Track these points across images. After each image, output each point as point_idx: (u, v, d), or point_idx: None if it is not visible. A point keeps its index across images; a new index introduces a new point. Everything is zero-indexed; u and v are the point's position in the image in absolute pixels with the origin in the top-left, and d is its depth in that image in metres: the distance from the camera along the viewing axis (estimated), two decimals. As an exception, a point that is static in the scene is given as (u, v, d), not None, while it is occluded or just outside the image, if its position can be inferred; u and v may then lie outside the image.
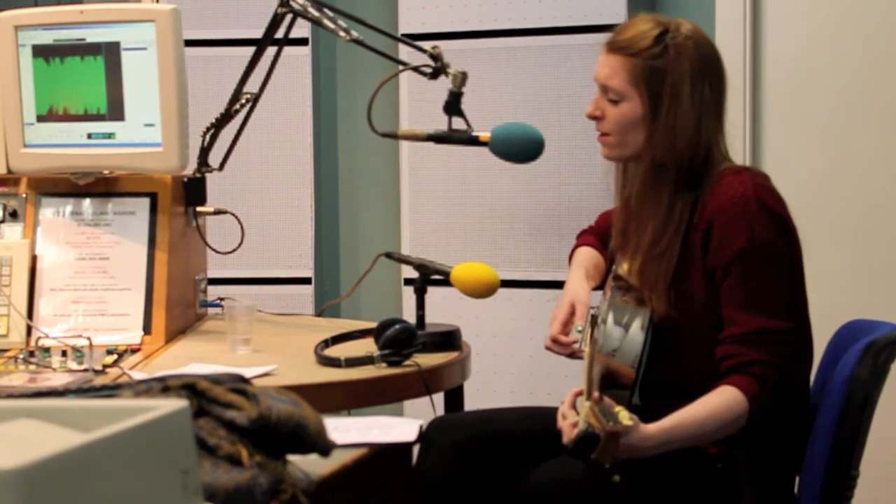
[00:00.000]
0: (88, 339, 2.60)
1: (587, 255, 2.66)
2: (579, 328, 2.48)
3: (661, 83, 2.30)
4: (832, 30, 3.49)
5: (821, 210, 3.45)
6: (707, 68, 2.33)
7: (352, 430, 1.93)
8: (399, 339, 2.57)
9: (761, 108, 3.59)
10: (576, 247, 2.71)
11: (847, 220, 3.49)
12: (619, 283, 2.43)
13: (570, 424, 2.13)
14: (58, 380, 2.46)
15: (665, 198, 2.32)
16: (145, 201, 2.90)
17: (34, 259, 2.85)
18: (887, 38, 3.43)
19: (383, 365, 2.56)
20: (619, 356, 2.31)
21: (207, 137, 3.01)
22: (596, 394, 2.10)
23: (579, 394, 2.12)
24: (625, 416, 2.03)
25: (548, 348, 2.55)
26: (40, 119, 2.88)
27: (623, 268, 2.45)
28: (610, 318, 2.36)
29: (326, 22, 2.85)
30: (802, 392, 2.36)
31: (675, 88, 2.30)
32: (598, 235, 2.69)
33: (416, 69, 2.81)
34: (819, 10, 3.51)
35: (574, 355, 2.51)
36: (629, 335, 2.31)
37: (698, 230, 2.30)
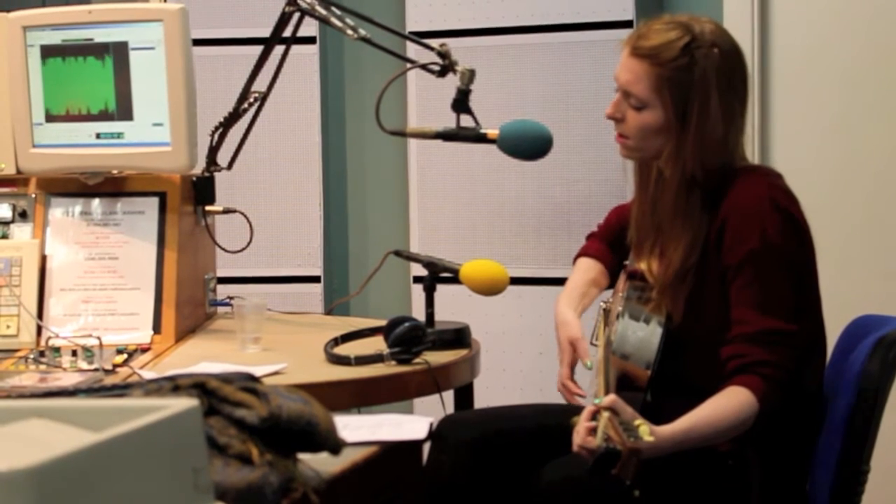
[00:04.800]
0: (98, 338, 2.61)
1: (580, 278, 2.61)
2: (589, 365, 2.46)
3: (687, 94, 2.27)
4: (840, 24, 3.48)
5: (830, 205, 3.44)
6: (733, 75, 2.31)
7: (362, 429, 1.93)
8: (408, 337, 2.57)
9: (770, 104, 3.58)
10: (578, 255, 2.69)
11: (856, 215, 3.48)
12: (635, 283, 2.42)
13: (585, 428, 2.11)
14: (68, 379, 2.47)
15: (696, 212, 2.31)
16: (154, 201, 2.90)
17: (44, 259, 2.85)
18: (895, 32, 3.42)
19: (393, 363, 2.56)
20: (633, 359, 2.30)
21: (216, 136, 3.01)
22: (613, 396, 2.09)
23: (595, 413, 2.10)
24: (645, 431, 2.00)
25: (560, 392, 2.53)
26: (49, 119, 2.88)
27: (642, 265, 2.43)
28: (626, 318, 2.35)
29: (334, 20, 2.85)
30: (814, 392, 2.35)
31: (703, 100, 2.27)
32: (604, 239, 2.67)
33: (424, 67, 2.81)
34: (827, 4, 3.50)
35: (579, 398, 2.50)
36: (644, 337, 2.30)
37: (713, 231, 2.29)
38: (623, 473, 1.95)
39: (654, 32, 2.32)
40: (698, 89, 2.27)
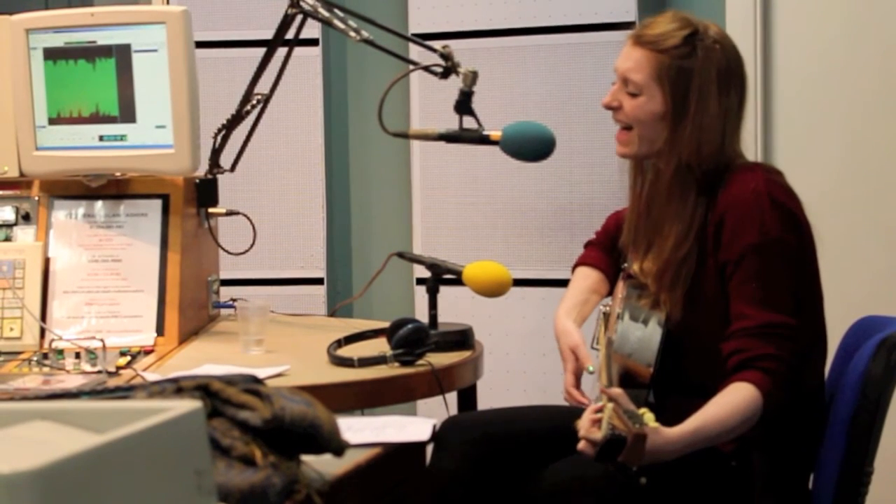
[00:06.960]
0: (102, 340, 2.61)
1: (578, 287, 2.62)
2: (591, 369, 2.46)
3: (686, 84, 2.30)
4: (842, 32, 3.48)
5: (834, 206, 3.44)
6: (733, 74, 2.33)
7: (365, 430, 1.93)
8: (412, 339, 2.57)
9: (772, 110, 3.58)
10: (576, 265, 2.69)
11: (859, 216, 3.48)
12: (633, 282, 2.43)
13: (590, 420, 2.11)
14: (71, 382, 2.47)
15: (690, 202, 2.32)
16: (157, 203, 2.90)
17: (47, 261, 2.86)
18: (898, 33, 3.42)
19: (396, 364, 2.56)
20: (635, 356, 2.30)
21: (219, 139, 3.02)
22: (618, 389, 2.09)
23: (599, 410, 2.10)
24: (650, 418, 2.01)
25: (566, 400, 2.53)
26: (52, 122, 2.88)
27: (635, 267, 2.44)
28: (626, 317, 2.35)
29: (337, 22, 2.86)
30: (816, 389, 2.35)
31: (702, 92, 2.29)
32: (602, 246, 2.66)
33: (426, 69, 2.81)
34: (829, 12, 3.50)
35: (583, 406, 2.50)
36: (645, 335, 2.31)
37: (710, 226, 2.30)
38: (629, 460, 1.95)
39: (658, 23, 2.36)
40: (698, 81, 2.29)
